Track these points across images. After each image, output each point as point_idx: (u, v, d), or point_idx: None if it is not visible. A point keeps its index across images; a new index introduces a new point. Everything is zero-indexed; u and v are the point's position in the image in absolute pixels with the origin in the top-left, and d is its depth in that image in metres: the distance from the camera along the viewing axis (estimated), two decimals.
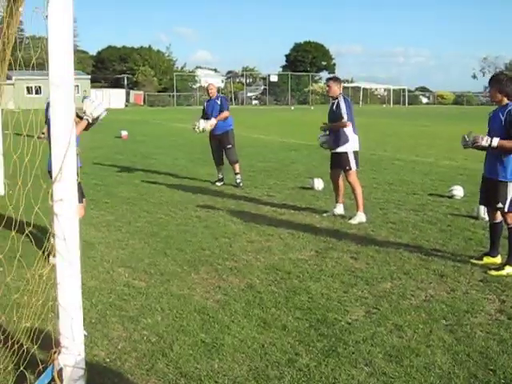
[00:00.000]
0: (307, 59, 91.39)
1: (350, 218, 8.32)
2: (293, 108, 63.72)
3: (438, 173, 13.39)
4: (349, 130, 8.40)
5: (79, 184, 6.18)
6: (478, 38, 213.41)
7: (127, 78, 76.57)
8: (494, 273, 5.94)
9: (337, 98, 8.54)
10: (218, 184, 11.75)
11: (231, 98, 73.59)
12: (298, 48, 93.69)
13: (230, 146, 11.59)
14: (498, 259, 6.25)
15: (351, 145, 8.43)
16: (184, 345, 4.26)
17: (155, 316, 4.83)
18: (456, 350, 4.20)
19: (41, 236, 6.32)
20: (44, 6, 3.10)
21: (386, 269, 6.10)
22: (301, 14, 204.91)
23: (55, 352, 3.44)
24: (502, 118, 5.93)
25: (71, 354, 3.44)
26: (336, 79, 8.78)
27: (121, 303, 5.12)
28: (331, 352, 4.15)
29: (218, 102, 11.62)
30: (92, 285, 5.54)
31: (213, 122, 11.39)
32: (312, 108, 63.85)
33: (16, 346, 3.55)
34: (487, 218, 7.95)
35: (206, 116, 11.75)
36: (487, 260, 6.28)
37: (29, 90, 52.21)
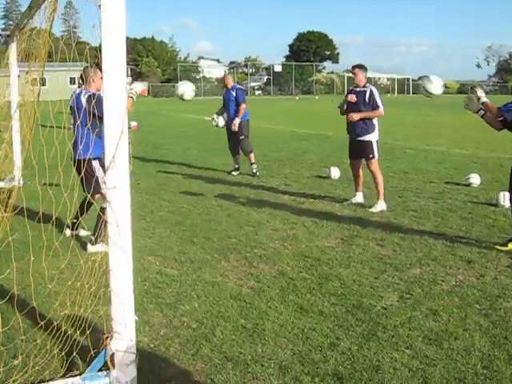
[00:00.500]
0: (311, 49, 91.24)
1: (371, 207, 8.37)
2: (297, 98, 63.67)
3: (451, 161, 13.42)
4: (375, 119, 8.42)
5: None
6: (480, 27, 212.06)
7: (131, 69, 76.56)
8: None
9: (364, 87, 8.48)
10: (234, 173, 11.81)
11: None
12: (301, 38, 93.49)
13: (242, 136, 11.64)
14: None
15: (376, 133, 8.45)
16: (225, 330, 4.33)
17: (192, 303, 4.90)
18: (493, 334, 4.26)
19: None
20: None
21: (413, 255, 6.16)
22: (303, 5, 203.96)
23: (107, 337, 3.51)
24: None
25: (123, 339, 3.50)
26: (361, 67, 8.66)
27: (156, 291, 5.19)
28: (371, 336, 4.22)
29: (234, 94, 11.64)
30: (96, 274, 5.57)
31: (236, 121, 11.44)
32: (317, 98, 63.84)
33: (69, 332, 3.62)
34: (507, 206, 8.04)
35: (224, 105, 11.88)
36: None
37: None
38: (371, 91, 8.41)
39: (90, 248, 6.26)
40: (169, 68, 79.22)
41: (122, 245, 3.40)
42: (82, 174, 5.83)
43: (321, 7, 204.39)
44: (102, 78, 6.72)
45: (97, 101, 5.71)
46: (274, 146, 16.37)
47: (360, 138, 8.48)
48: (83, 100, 6.31)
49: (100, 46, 4.93)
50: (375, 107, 8.38)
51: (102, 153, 6.16)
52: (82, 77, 6.56)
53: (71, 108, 6.57)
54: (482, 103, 6.32)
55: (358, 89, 8.57)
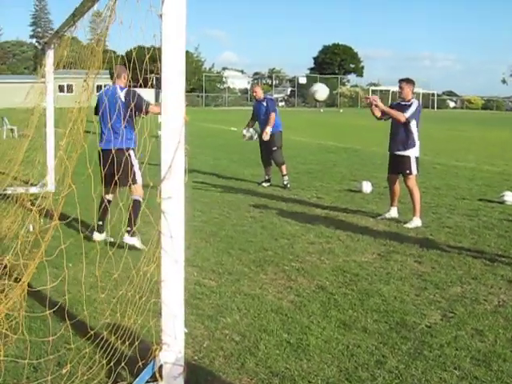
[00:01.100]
0: (335, 62, 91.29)
1: (406, 222, 8.29)
2: (322, 110, 63.59)
3: (482, 178, 13.28)
4: (416, 135, 8.31)
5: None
6: (506, 42, 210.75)
7: (156, 78, 76.93)
8: None
9: (409, 101, 8.38)
10: (265, 185, 11.80)
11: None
12: (326, 50, 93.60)
13: (275, 148, 11.64)
14: None
15: (416, 149, 8.34)
16: (269, 344, 4.30)
17: (233, 315, 4.87)
18: None
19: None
20: (159, 6, 3.17)
21: (453, 273, 6.08)
22: (329, 17, 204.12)
23: (156, 349, 3.50)
24: None
25: (172, 351, 3.50)
26: (409, 81, 8.51)
27: (196, 302, 5.17)
28: (417, 355, 4.16)
29: (264, 105, 11.67)
30: (146, 285, 5.59)
31: (268, 129, 11.46)
32: (341, 111, 63.74)
33: (118, 342, 3.62)
34: None
35: (255, 118, 11.88)
36: None
37: (61, 88, 53.18)
38: (412, 103, 8.29)
39: (129, 240, 6.41)
40: (193, 78, 79.68)
41: (175, 256, 3.40)
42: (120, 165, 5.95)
43: (346, 20, 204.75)
44: (129, 74, 7.21)
45: (137, 96, 6.46)
46: (303, 158, 16.34)
47: (399, 153, 8.39)
48: (121, 95, 6.63)
49: (127, 54, 4.99)
50: (404, 111, 8.23)
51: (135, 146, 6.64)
52: (112, 73, 6.84)
53: (100, 103, 6.86)
54: None
55: (403, 103, 8.47)
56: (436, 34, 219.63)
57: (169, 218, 3.34)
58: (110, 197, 6.96)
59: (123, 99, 6.54)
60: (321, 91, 8.85)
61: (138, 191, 6.74)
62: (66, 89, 54.09)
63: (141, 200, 6.67)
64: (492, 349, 4.29)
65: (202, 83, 73.96)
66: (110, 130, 6.40)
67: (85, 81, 3.29)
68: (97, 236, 6.91)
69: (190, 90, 78.20)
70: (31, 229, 6.26)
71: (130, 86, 6.59)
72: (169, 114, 3.25)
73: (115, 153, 6.01)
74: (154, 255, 3.44)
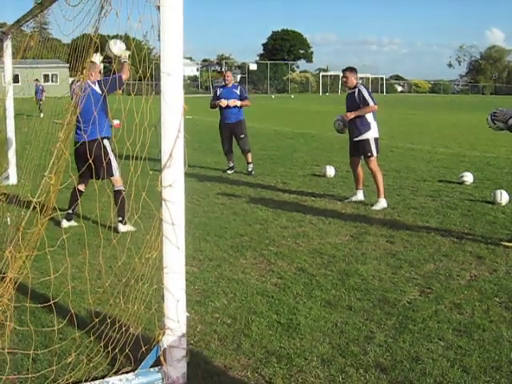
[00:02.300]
0: (285, 47, 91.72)
1: (373, 205, 8.54)
2: (273, 97, 63.90)
3: (439, 160, 13.71)
4: (370, 117, 8.59)
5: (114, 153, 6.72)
6: (452, 27, 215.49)
7: (104, 66, 75.81)
8: None
9: (355, 88, 8.67)
10: (229, 172, 11.91)
11: (207, 86, 73.49)
12: (275, 36, 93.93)
13: (243, 135, 11.75)
14: None
15: (373, 131, 8.62)
16: (261, 325, 4.44)
17: (221, 299, 4.99)
18: None
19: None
20: None
21: (425, 251, 6.34)
22: (276, 3, 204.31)
23: (159, 334, 3.59)
24: None
25: (175, 336, 3.59)
26: (352, 69, 8.86)
27: None
28: (403, 329, 4.37)
29: (237, 92, 11.72)
30: (148, 272, 5.67)
31: (237, 102, 11.54)
32: (292, 97, 64.14)
33: (123, 329, 3.70)
34: (504, 203, 8.32)
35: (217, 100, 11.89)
36: None
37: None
38: (359, 90, 8.59)
39: (122, 228, 6.78)
40: (143, 66, 78.60)
41: (176, 243, 3.49)
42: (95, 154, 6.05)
43: (294, 5, 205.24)
44: (100, 72, 7.22)
45: (107, 80, 6.72)
46: (262, 145, 16.49)
47: (356, 138, 8.67)
48: (96, 88, 6.70)
49: (73, 42, 5.02)
50: (365, 104, 8.53)
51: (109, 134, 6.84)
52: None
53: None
54: None
55: (350, 91, 8.78)
56: (382, 18, 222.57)
57: (170, 205, 3.43)
58: (82, 187, 7.03)
59: (99, 91, 6.64)
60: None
61: (118, 182, 6.93)
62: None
63: (123, 189, 6.84)
64: (471, 320, 4.54)
65: (152, 71, 73.03)
66: (83, 123, 6.42)
67: (79, 72, 3.33)
68: (64, 223, 7.12)
69: (139, 78, 77.21)
70: (9, 222, 6.24)
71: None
72: (168, 104, 3.33)
73: (89, 144, 6.13)
74: (156, 242, 3.52)
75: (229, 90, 11.83)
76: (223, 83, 12.14)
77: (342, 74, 9.13)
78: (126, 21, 3.31)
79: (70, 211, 7.09)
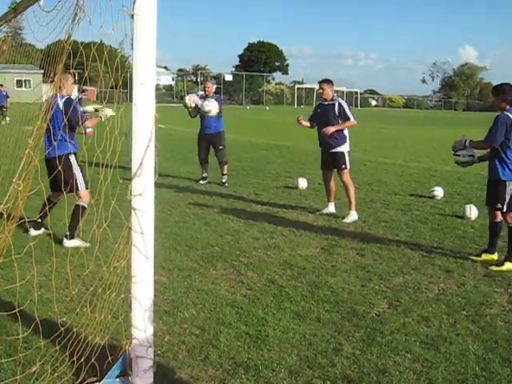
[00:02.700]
0: (261, 59, 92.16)
1: (344, 217, 8.59)
2: (248, 108, 64.04)
3: (411, 174, 13.86)
4: (346, 131, 8.65)
5: (83, 169, 6.66)
6: (426, 43, 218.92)
7: (78, 73, 75.28)
8: (495, 268, 6.29)
9: (332, 100, 8.71)
10: (202, 182, 11.88)
11: (182, 96, 73.27)
12: (251, 48, 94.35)
13: (221, 147, 11.73)
14: (496, 256, 6.62)
15: (348, 144, 8.69)
16: (229, 336, 4.42)
17: (190, 310, 4.97)
18: (484, 338, 4.50)
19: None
20: (130, 6, 3.23)
21: (394, 264, 6.39)
22: (253, 15, 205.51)
23: (126, 344, 3.56)
24: None
25: (142, 346, 3.56)
26: (329, 81, 8.90)
27: None
28: (371, 341, 4.40)
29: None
30: (116, 280, 5.62)
31: (215, 105, 11.42)
32: (267, 108, 64.34)
33: (90, 338, 3.66)
34: (473, 218, 8.43)
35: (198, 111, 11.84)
36: (485, 257, 6.63)
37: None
38: (340, 104, 8.65)
39: (66, 243, 6.66)
40: (118, 74, 78.27)
41: (145, 252, 3.47)
42: (59, 170, 6.04)
43: (271, 17, 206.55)
44: (72, 83, 7.08)
45: (73, 106, 6.56)
46: (236, 156, 16.47)
47: (333, 150, 8.71)
48: (60, 103, 6.55)
49: (48, 47, 4.97)
50: (346, 119, 8.60)
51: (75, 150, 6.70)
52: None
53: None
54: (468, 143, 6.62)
55: (326, 103, 8.80)
56: (358, 33, 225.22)
57: (139, 214, 3.41)
58: (54, 198, 6.94)
59: (61, 108, 6.50)
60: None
61: (83, 197, 6.80)
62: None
63: (85, 206, 6.73)
64: (438, 333, 4.58)
65: (126, 79, 72.76)
66: (52, 138, 6.43)
67: (51, 79, 3.31)
68: (33, 232, 6.98)
69: (114, 85, 76.80)
70: None
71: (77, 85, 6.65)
72: (140, 113, 3.31)
73: (56, 160, 6.18)
74: (124, 251, 3.50)
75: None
76: (204, 93, 12.16)
77: (317, 87, 9.20)
78: (99, 28, 3.30)
79: (39, 220, 6.99)
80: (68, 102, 6.60)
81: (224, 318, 4.80)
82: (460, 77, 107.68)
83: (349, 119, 8.58)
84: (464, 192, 11.32)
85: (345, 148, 8.65)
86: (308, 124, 9.10)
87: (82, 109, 6.81)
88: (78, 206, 6.71)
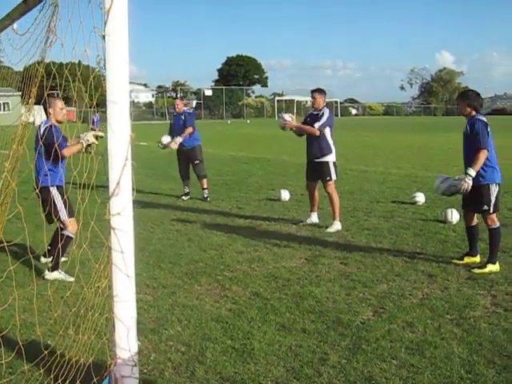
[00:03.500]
0: (240, 73, 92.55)
1: (327, 227, 8.62)
2: (229, 122, 64.15)
3: (392, 181, 13.95)
4: (331, 142, 8.68)
5: (68, 200, 6.36)
6: (403, 50, 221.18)
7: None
8: (477, 271, 6.35)
9: (320, 110, 8.74)
10: (185, 198, 11.87)
11: (163, 113, 73.40)
12: (230, 62, 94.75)
13: (197, 161, 11.74)
14: (478, 258, 6.68)
15: (333, 155, 8.72)
16: (215, 352, 4.42)
17: (175, 327, 4.96)
18: (468, 341, 4.54)
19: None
20: (101, 27, 3.25)
21: (378, 272, 6.43)
22: (230, 29, 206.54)
23: (111, 364, 3.54)
24: (468, 128, 6.41)
25: (127, 365, 3.54)
26: (321, 91, 8.93)
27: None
28: (356, 349, 4.41)
29: (182, 118, 11.74)
30: (99, 301, 5.59)
31: (178, 139, 11.50)
32: (248, 122, 64.49)
33: (74, 360, 3.63)
34: (454, 222, 8.50)
35: (172, 131, 11.94)
36: (468, 260, 6.70)
37: None
38: (323, 113, 8.68)
39: (47, 275, 6.36)
40: (96, 93, 78.18)
41: (126, 271, 3.46)
42: (45, 202, 5.99)
43: (249, 31, 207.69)
44: (62, 108, 6.69)
45: (48, 132, 5.97)
46: (217, 170, 16.50)
47: (318, 160, 8.73)
48: (41, 131, 6.18)
49: (25, 70, 4.96)
50: (314, 123, 8.62)
51: (59, 183, 6.35)
52: (44, 108, 6.46)
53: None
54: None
55: (315, 112, 8.83)
56: (335, 43, 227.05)
57: (119, 233, 3.40)
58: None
59: (41, 133, 6.07)
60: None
61: (67, 227, 6.40)
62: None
63: (70, 235, 6.37)
64: (423, 338, 4.61)
65: (104, 98, 72.60)
66: (35, 167, 6.19)
67: (25, 102, 3.31)
68: (43, 259, 6.82)
69: (90, 106, 76.58)
70: None
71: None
72: (115, 132, 3.32)
73: (40, 190, 6.10)
74: (105, 271, 3.49)
75: (177, 118, 11.97)
76: (175, 111, 12.35)
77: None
78: (72, 50, 3.31)
79: (49, 247, 6.71)
80: (46, 128, 6.10)
81: (209, 333, 4.80)
82: (438, 82, 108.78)
83: (317, 124, 8.60)
84: (445, 197, 11.38)
85: (330, 158, 8.67)
86: (294, 124, 8.93)
87: (61, 137, 6.23)
88: (62, 234, 6.25)
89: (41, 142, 5.98)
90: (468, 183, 6.26)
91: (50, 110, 6.35)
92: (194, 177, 12.05)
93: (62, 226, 6.40)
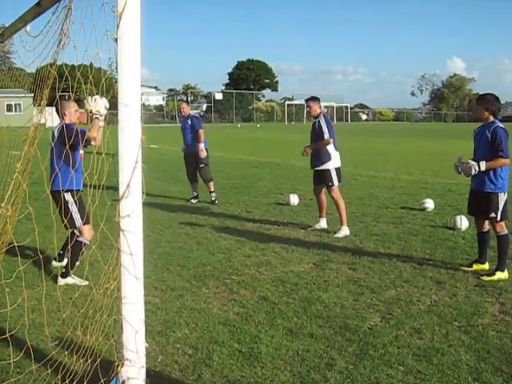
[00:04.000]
0: (250, 77, 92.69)
1: (335, 232, 8.62)
2: (239, 126, 64.23)
3: (401, 187, 13.92)
4: (330, 148, 8.70)
5: (81, 203, 6.27)
6: (412, 57, 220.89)
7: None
8: (486, 278, 6.33)
9: (317, 117, 8.81)
10: (193, 201, 11.90)
11: (173, 116, 73.56)
12: (240, 66, 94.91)
13: (202, 165, 11.73)
14: (487, 265, 6.66)
15: (333, 162, 8.73)
16: (222, 355, 4.43)
17: (182, 329, 4.97)
18: (476, 348, 4.52)
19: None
20: (114, 30, 3.27)
21: (386, 278, 6.42)
22: (242, 33, 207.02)
23: (118, 365, 3.55)
24: (489, 135, 6.32)
25: (134, 367, 3.56)
26: (315, 99, 9.02)
27: None
28: (363, 355, 4.41)
29: (189, 122, 11.75)
30: (107, 302, 5.61)
31: (201, 146, 11.57)
32: (258, 126, 64.54)
33: (81, 360, 3.65)
34: (464, 229, 8.46)
35: (183, 133, 12.07)
36: (476, 267, 6.67)
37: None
38: (319, 121, 8.74)
39: (61, 281, 6.26)
40: (108, 95, 78.56)
41: (135, 273, 3.47)
42: (59, 206, 5.99)
43: (260, 35, 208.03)
44: (76, 110, 6.62)
45: (68, 130, 5.86)
46: (227, 174, 16.53)
47: (318, 168, 8.81)
48: (55, 132, 6.20)
49: (37, 72, 4.97)
50: (321, 136, 8.66)
51: (77, 187, 6.24)
52: (57, 110, 6.41)
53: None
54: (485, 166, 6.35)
55: (313, 120, 8.92)
56: (347, 48, 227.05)
57: (128, 235, 3.42)
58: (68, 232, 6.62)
59: (56, 136, 6.11)
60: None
61: (83, 233, 6.31)
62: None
63: (85, 242, 6.29)
64: (430, 345, 4.60)
65: (115, 100, 72.91)
66: (49, 170, 6.02)
67: (37, 103, 3.34)
68: (54, 263, 6.80)
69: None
70: None
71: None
72: (126, 135, 3.34)
73: (52, 194, 6.08)
74: (114, 273, 3.51)
75: (184, 121, 12.05)
76: (181, 115, 12.44)
77: (306, 104, 9.24)
78: (84, 53, 3.34)
79: (61, 252, 6.72)
80: (61, 127, 6.12)
81: (217, 336, 4.81)
82: (449, 88, 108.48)
83: (322, 137, 8.64)
84: (454, 203, 11.38)
85: (330, 165, 8.69)
86: (309, 150, 8.91)
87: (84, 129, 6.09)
88: (77, 241, 6.17)
89: (53, 143, 5.92)
90: (473, 170, 6.32)
91: (66, 112, 6.28)
92: (202, 180, 12.07)
93: (77, 232, 6.27)
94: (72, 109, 6.34)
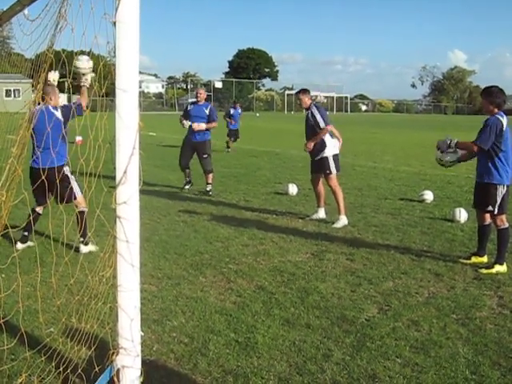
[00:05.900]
0: (250, 66, 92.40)
1: (334, 223, 8.58)
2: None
3: (400, 178, 13.89)
4: (326, 136, 8.66)
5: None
6: (413, 48, 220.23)
7: (70, 82, 74.94)
8: (484, 271, 6.30)
9: (309, 109, 8.77)
10: (187, 187, 11.82)
11: (172, 103, 73.40)
12: (241, 55, 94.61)
13: (206, 155, 11.53)
14: (485, 258, 6.63)
15: (330, 149, 8.68)
16: (218, 344, 4.39)
17: (179, 318, 4.93)
18: (474, 341, 4.50)
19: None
20: (112, 13, 3.21)
21: (384, 269, 6.39)
22: (243, 21, 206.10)
23: (113, 353, 3.52)
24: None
25: (130, 355, 3.52)
26: (304, 91, 9.01)
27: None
28: (361, 346, 4.38)
29: (206, 111, 11.43)
30: (103, 289, 5.57)
31: (202, 126, 11.31)
32: (257, 115, 64.41)
33: (76, 348, 3.62)
34: (462, 221, 8.44)
35: (187, 117, 11.60)
36: (475, 259, 6.64)
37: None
38: (311, 112, 8.71)
39: (84, 249, 6.72)
40: (106, 82, 78.29)
41: (131, 260, 3.43)
42: (56, 183, 5.98)
43: (260, 24, 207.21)
44: (59, 97, 7.02)
45: (65, 109, 6.54)
46: (226, 162, 16.49)
47: (316, 158, 8.76)
48: (58, 114, 6.46)
49: (36, 57, 4.91)
50: (317, 126, 8.62)
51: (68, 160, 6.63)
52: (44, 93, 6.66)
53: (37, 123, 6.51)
54: (455, 144, 6.63)
55: (306, 112, 8.90)
56: (347, 39, 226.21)
57: (124, 223, 3.38)
58: (39, 210, 6.84)
59: (60, 118, 6.42)
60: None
61: (81, 203, 6.78)
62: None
63: (85, 209, 6.73)
64: (428, 337, 4.57)
65: (113, 86, 72.65)
66: (43, 149, 6.17)
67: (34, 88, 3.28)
68: (19, 245, 6.82)
69: (103, 94, 76.70)
70: None
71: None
72: (124, 120, 3.29)
73: (49, 171, 6.08)
74: (110, 260, 3.46)
75: (199, 108, 11.52)
76: (195, 99, 11.86)
77: (297, 97, 9.20)
78: (82, 36, 3.27)
79: (26, 233, 6.88)
80: (62, 107, 6.65)
81: (213, 325, 4.77)
82: (449, 80, 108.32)
83: (319, 126, 8.60)
84: (454, 195, 11.36)
85: (327, 153, 8.65)
86: (310, 145, 8.81)
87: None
88: (80, 212, 6.69)
89: (49, 125, 6.22)
90: (445, 145, 6.74)
91: (52, 97, 6.58)
92: (199, 169, 11.91)
93: (76, 204, 6.75)
94: (56, 94, 6.72)
